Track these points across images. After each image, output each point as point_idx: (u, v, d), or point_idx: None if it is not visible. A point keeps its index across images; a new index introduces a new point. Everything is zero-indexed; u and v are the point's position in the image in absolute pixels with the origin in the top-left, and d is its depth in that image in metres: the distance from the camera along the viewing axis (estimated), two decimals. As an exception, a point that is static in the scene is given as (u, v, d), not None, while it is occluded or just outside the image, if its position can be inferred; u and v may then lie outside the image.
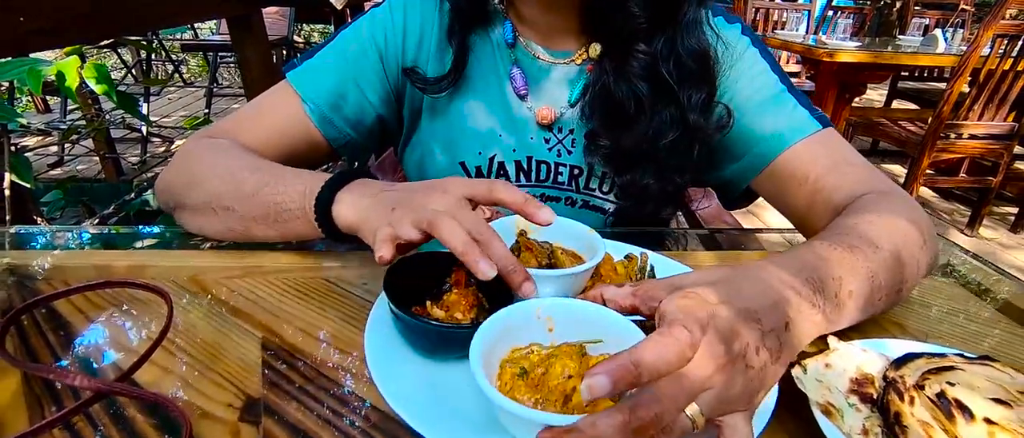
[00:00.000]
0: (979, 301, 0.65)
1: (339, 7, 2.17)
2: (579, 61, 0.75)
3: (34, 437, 0.38)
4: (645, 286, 0.44)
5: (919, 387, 0.42)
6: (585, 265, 0.52)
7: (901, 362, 0.46)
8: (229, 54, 4.84)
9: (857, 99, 3.48)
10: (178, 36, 5.07)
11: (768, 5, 4.10)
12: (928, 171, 2.74)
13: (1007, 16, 2.33)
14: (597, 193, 0.79)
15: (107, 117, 2.59)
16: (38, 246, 0.68)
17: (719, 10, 0.75)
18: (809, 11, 4.11)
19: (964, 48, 2.53)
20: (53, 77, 1.41)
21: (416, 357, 0.47)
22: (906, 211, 0.57)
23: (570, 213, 0.78)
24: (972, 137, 2.64)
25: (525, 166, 0.78)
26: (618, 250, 0.63)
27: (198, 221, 0.66)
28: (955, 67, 2.48)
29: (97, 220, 1.80)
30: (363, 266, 0.64)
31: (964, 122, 2.58)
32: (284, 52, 4.19)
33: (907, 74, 4.49)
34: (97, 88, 1.46)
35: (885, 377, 0.44)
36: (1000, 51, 2.41)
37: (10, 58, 1.36)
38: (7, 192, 1.40)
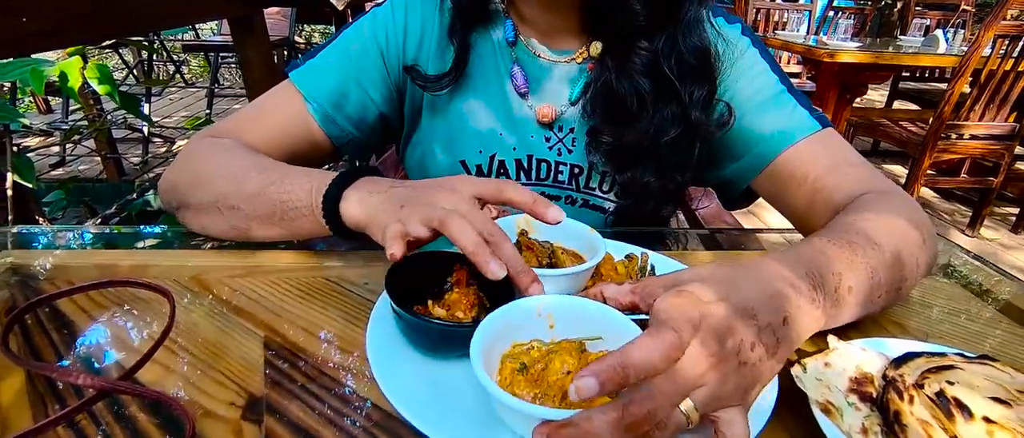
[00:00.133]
0: (980, 301, 0.66)
1: (340, 8, 2.18)
2: (580, 60, 0.76)
3: (38, 435, 0.39)
4: (644, 284, 0.45)
5: (918, 386, 0.42)
6: (586, 265, 0.53)
7: (901, 361, 0.46)
8: (230, 54, 4.85)
9: (858, 100, 3.48)
10: (179, 37, 5.08)
11: (769, 5, 4.11)
12: (929, 171, 2.74)
13: (1008, 16, 2.33)
14: (597, 192, 0.79)
15: (109, 117, 2.60)
16: (41, 246, 0.68)
17: (719, 11, 0.75)
18: (810, 12, 4.11)
19: (965, 49, 2.53)
20: (56, 77, 1.41)
21: (417, 356, 0.48)
22: (905, 210, 0.57)
23: (570, 212, 0.78)
24: (973, 137, 2.64)
25: (525, 165, 0.79)
26: (619, 250, 0.63)
27: (202, 221, 0.66)
28: (956, 68, 2.48)
29: (99, 220, 1.80)
30: (365, 265, 0.64)
31: (965, 123, 2.58)
32: (285, 53, 4.19)
33: (908, 74, 4.49)
34: (100, 88, 1.46)
35: (885, 376, 0.44)
36: (1001, 52, 2.41)
37: (12, 59, 1.36)
38: (9, 192, 1.41)
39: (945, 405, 0.40)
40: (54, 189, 2.02)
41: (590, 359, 0.42)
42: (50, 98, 4.43)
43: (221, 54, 4.74)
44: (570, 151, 0.78)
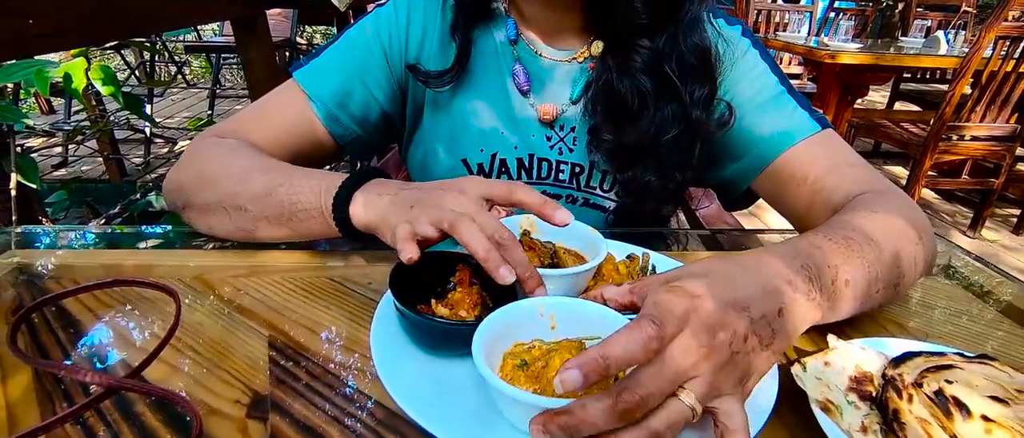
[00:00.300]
0: (980, 302, 0.66)
1: (342, 9, 2.18)
2: (581, 59, 0.76)
3: (47, 432, 0.39)
4: (641, 283, 0.46)
5: (917, 385, 0.43)
6: (587, 265, 0.53)
7: (900, 360, 0.46)
8: (232, 55, 4.86)
9: (859, 101, 3.48)
10: (181, 38, 5.09)
11: (770, 7, 4.11)
12: (930, 173, 2.74)
13: (1009, 18, 2.33)
14: (597, 191, 0.79)
15: (111, 118, 2.61)
16: (46, 246, 0.69)
17: (720, 12, 0.76)
18: (811, 13, 4.11)
19: (966, 50, 2.53)
20: (59, 79, 1.41)
21: (421, 354, 0.48)
22: (903, 210, 0.58)
23: (571, 211, 0.78)
24: (974, 139, 2.64)
25: (527, 163, 0.79)
26: (620, 250, 0.63)
27: (208, 221, 0.66)
28: (957, 69, 2.48)
29: (102, 220, 1.81)
30: (368, 265, 0.65)
31: (966, 124, 2.58)
32: (287, 54, 4.20)
33: (909, 76, 4.50)
34: (103, 89, 1.47)
35: (884, 375, 0.45)
36: (1002, 53, 2.41)
37: (16, 60, 1.37)
38: (13, 192, 1.41)
39: (944, 404, 0.41)
40: (57, 190, 2.03)
41: None
42: (53, 99, 4.44)
43: (223, 55, 4.75)
44: (571, 150, 0.78)
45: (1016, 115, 2.61)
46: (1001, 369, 0.46)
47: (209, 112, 4.37)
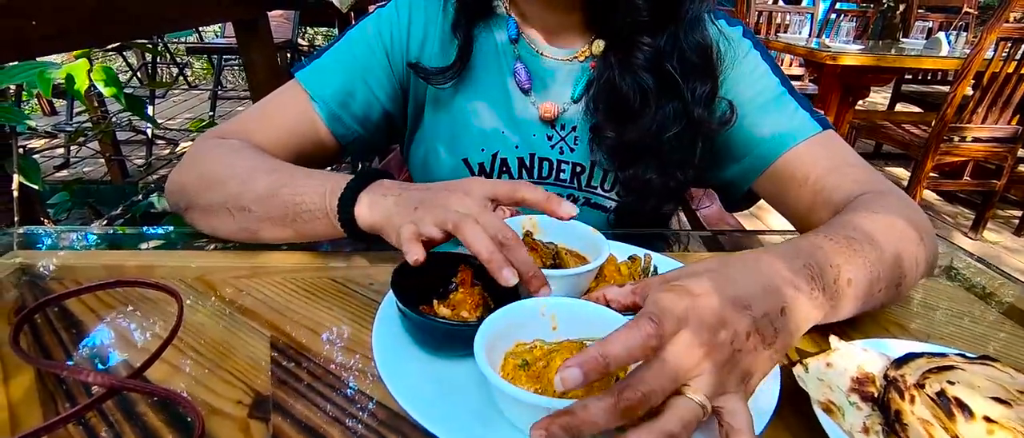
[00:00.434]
0: (982, 304, 0.66)
1: (343, 10, 2.19)
2: (582, 58, 0.76)
3: (49, 432, 0.39)
4: (643, 284, 0.46)
5: (919, 386, 0.43)
6: (589, 266, 0.53)
7: (902, 361, 0.46)
8: (233, 57, 4.87)
9: (860, 102, 3.48)
10: (183, 39, 5.09)
11: (771, 8, 4.11)
12: (932, 174, 2.74)
13: (1010, 19, 2.33)
14: (598, 191, 0.79)
15: (113, 120, 2.61)
16: (48, 247, 0.69)
17: (721, 14, 0.76)
18: (812, 14, 4.11)
19: (967, 51, 2.53)
20: (62, 80, 1.42)
21: (423, 355, 0.48)
22: (904, 210, 0.58)
23: None
24: (976, 140, 2.64)
25: (528, 163, 0.79)
26: (622, 251, 0.63)
27: (212, 222, 0.66)
28: (958, 70, 2.48)
29: (104, 221, 1.81)
30: (370, 266, 0.65)
31: (967, 125, 2.58)
32: (289, 55, 4.20)
33: (911, 77, 4.49)
34: (106, 91, 1.47)
35: (886, 376, 0.45)
36: (1003, 54, 2.41)
37: (18, 62, 1.37)
38: (16, 194, 1.42)
39: (946, 405, 0.40)
40: (59, 191, 2.03)
41: None
42: (55, 100, 4.45)
43: (224, 57, 4.75)
44: (572, 150, 0.78)
45: (1017, 116, 2.61)
46: (1003, 370, 0.46)
47: (211, 114, 4.37)
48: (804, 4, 4.25)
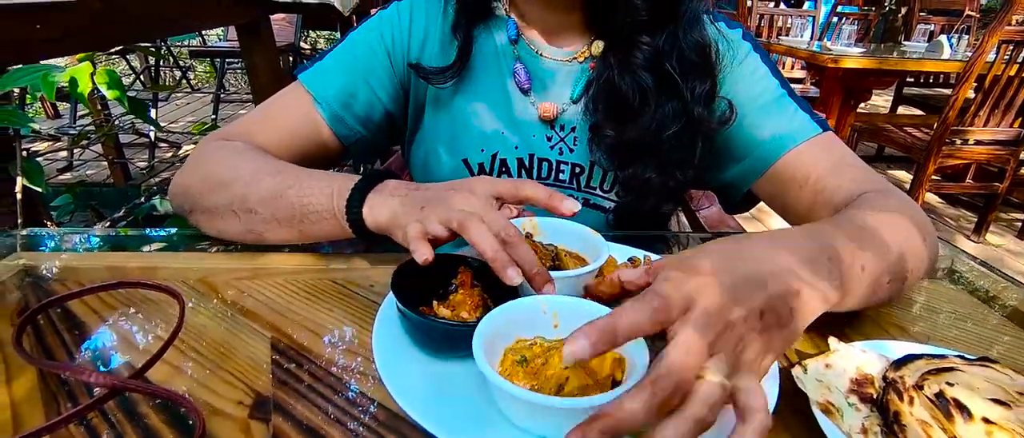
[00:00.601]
0: (984, 307, 0.65)
1: (346, 13, 2.20)
2: (582, 59, 0.77)
3: (52, 432, 0.39)
4: (657, 264, 0.45)
5: (918, 387, 0.43)
6: (589, 267, 0.53)
7: (901, 363, 0.46)
8: (236, 60, 4.88)
9: (862, 105, 3.48)
10: (186, 42, 5.11)
11: (773, 11, 4.11)
12: (934, 177, 2.73)
13: (1013, 22, 2.33)
14: (597, 191, 0.80)
15: (116, 122, 2.62)
16: (52, 248, 0.69)
17: (721, 16, 0.76)
18: (814, 17, 4.11)
19: (969, 54, 2.53)
20: (65, 83, 1.42)
21: (423, 356, 0.48)
22: (906, 209, 0.58)
23: None
24: (978, 143, 2.64)
25: (527, 163, 0.80)
26: (622, 253, 0.64)
27: (217, 224, 0.67)
28: (960, 73, 2.48)
29: (107, 223, 1.82)
30: (370, 268, 0.65)
31: (970, 128, 2.58)
32: (291, 58, 4.22)
33: (912, 80, 4.49)
34: (109, 94, 1.48)
35: (885, 377, 0.45)
36: (1005, 57, 2.40)
37: (23, 65, 1.38)
38: (19, 196, 1.42)
39: (944, 406, 0.41)
40: (62, 193, 2.04)
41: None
42: (58, 103, 4.47)
43: (227, 60, 4.76)
44: (572, 150, 0.79)
45: (1020, 119, 2.60)
46: (1002, 372, 0.46)
47: (213, 116, 4.38)
48: (806, 7, 4.26)
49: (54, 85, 1.32)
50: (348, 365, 0.49)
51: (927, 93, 4.31)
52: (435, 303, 0.52)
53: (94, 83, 1.46)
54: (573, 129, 0.78)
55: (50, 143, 3.15)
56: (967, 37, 3.50)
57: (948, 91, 3.38)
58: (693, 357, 0.35)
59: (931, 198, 3.46)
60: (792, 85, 0.75)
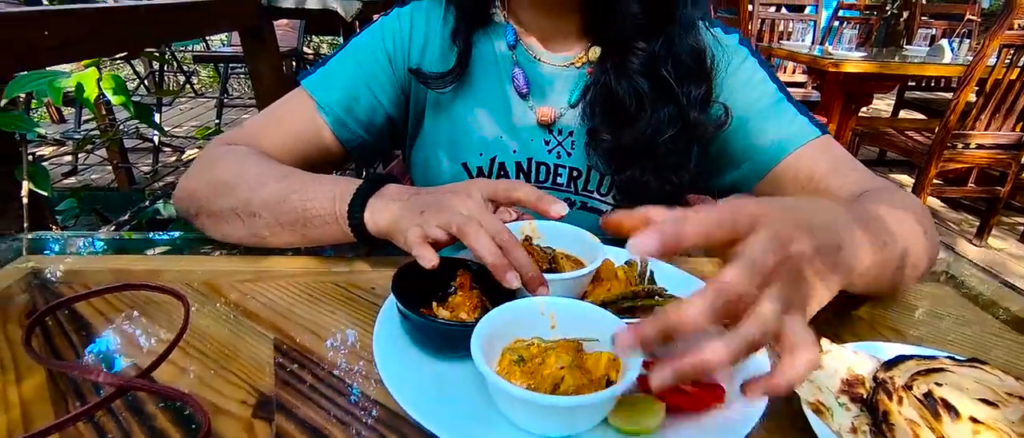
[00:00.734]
0: (981, 311, 0.65)
1: (348, 19, 2.21)
2: (579, 64, 0.78)
3: (60, 430, 0.40)
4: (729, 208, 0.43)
5: (907, 387, 0.44)
6: (585, 270, 0.54)
7: (892, 364, 0.47)
8: (240, 65, 4.91)
9: (864, 109, 3.48)
10: (190, 48, 5.15)
11: (774, 16, 4.12)
12: (936, 181, 2.73)
13: (1014, 26, 2.33)
14: (595, 195, 0.81)
15: (121, 127, 2.64)
16: (58, 252, 0.71)
17: (717, 22, 0.77)
18: (815, 22, 4.12)
19: (970, 58, 2.53)
20: (71, 88, 1.44)
21: (423, 356, 0.49)
22: (909, 205, 0.60)
23: (568, 214, 0.80)
24: (979, 147, 2.64)
25: (525, 167, 0.81)
26: (619, 256, 0.64)
27: (222, 228, 0.68)
28: (962, 77, 2.49)
29: (112, 227, 1.83)
30: (371, 270, 0.66)
31: (971, 132, 2.58)
32: (294, 63, 4.24)
33: (914, 84, 4.49)
34: (114, 99, 1.49)
35: (875, 378, 0.46)
36: (1007, 61, 2.41)
37: (28, 71, 1.39)
38: (25, 200, 1.43)
39: (932, 405, 0.41)
40: (67, 197, 2.05)
41: (585, 359, 0.44)
42: (63, 108, 4.50)
43: (231, 65, 4.80)
44: (569, 154, 0.80)
45: (1021, 123, 2.60)
46: (991, 372, 0.46)
47: (217, 121, 4.40)
48: (807, 12, 4.26)
49: (61, 91, 1.34)
50: (349, 365, 0.50)
51: (929, 97, 4.31)
52: (435, 305, 0.53)
53: (100, 88, 1.48)
54: (571, 133, 0.79)
55: (55, 147, 3.17)
56: (968, 41, 3.50)
57: (949, 95, 3.37)
58: (755, 276, 0.35)
59: (933, 202, 3.46)
60: (793, 90, 0.76)
